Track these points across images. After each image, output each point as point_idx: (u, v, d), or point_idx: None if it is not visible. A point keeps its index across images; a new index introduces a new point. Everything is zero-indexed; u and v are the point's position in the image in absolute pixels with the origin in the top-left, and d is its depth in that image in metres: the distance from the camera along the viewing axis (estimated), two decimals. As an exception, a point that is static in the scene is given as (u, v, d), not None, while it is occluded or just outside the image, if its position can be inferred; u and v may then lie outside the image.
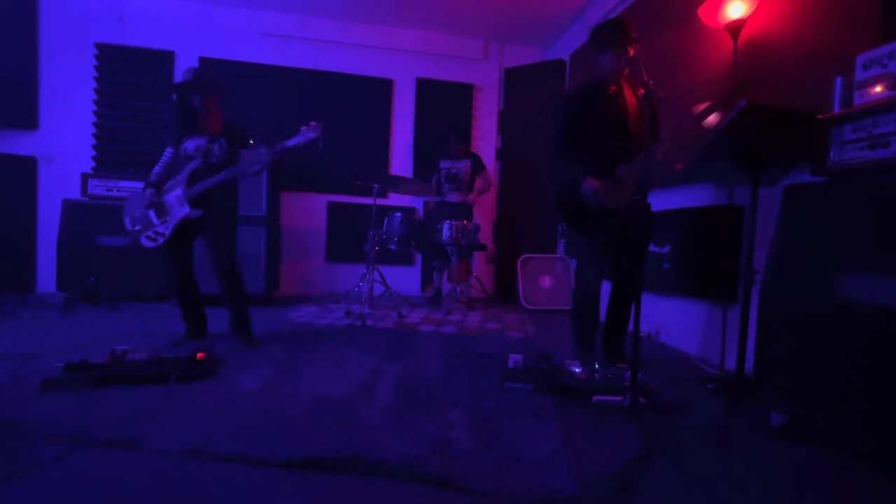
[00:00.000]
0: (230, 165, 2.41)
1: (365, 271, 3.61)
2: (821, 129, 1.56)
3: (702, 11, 2.34)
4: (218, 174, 2.37)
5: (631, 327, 1.72)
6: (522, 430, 1.51)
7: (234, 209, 2.52)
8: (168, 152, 2.49)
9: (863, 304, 1.34)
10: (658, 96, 1.71)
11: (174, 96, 2.44)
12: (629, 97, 2.15)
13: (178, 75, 4.30)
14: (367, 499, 1.12)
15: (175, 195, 2.38)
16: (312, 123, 2.39)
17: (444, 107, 4.89)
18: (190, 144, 2.41)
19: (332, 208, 4.77)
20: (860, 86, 1.47)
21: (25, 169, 4.11)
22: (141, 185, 3.75)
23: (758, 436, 1.54)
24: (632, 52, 2.04)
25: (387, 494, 1.13)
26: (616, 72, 2.10)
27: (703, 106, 2.15)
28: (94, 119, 4.25)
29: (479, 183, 4.33)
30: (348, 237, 4.68)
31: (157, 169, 2.46)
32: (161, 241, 2.39)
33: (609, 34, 2.10)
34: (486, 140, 5.06)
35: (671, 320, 2.85)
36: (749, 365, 1.80)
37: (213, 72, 2.46)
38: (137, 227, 2.42)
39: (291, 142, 2.38)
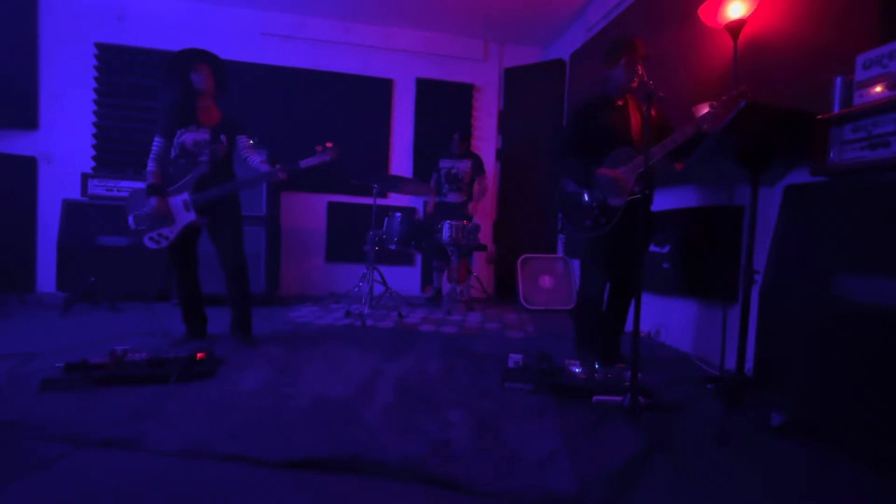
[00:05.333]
0: (231, 160, 2.45)
1: (365, 271, 3.61)
2: (821, 129, 1.57)
3: (702, 11, 2.34)
4: (228, 184, 2.40)
5: (631, 327, 1.72)
6: (522, 429, 1.51)
7: (238, 208, 2.52)
8: (158, 142, 2.35)
9: (863, 304, 1.34)
10: (658, 96, 1.71)
11: (173, 77, 2.36)
12: (633, 110, 2.24)
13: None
14: (367, 499, 1.12)
15: (181, 200, 2.34)
16: (328, 145, 2.43)
17: (444, 107, 4.89)
18: (188, 138, 2.34)
19: (332, 208, 4.78)
20: (860, 86, 1.47)
21: (25, 169, 4.11)
22: (140, 185, 3.77)
23: (758, 436, 1.54)
24: (640, 70, 2.05)
25: (387, 495, 1.13)
26: (625, 86, 2.16)
27: (703, 107, 2.15)
28: (94, 119, 4.25)
29: (476, 187, 4.32)
30: (348, 237, 4.68)
31: (151, 166, 2.34)
32: (165, 244, 2.35)
33: (617, 49, 2.16)
34: (486, 140, 5.06)
35: (671, 320, 2.85)
36: (749, 365, 1.80)
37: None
38: (142, 227, 2.35)
39: (305, 162, 2.42)
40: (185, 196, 2.35)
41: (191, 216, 2.35)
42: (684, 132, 1.94)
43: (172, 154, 2.39)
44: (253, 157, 2.49)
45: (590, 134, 2.19)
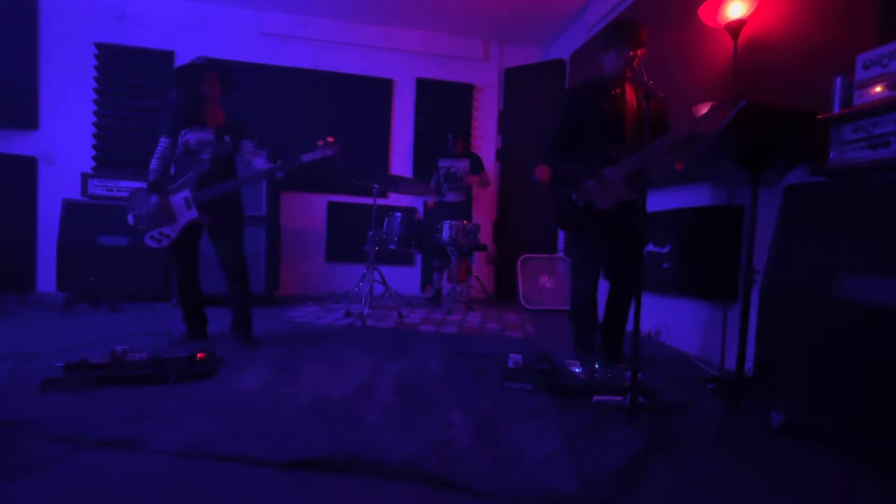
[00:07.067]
0: (234, 161, 2.47)
1: (365, 271, 3.61)
2: (821, 129, 1.56)
3: (702, 11, 2.34)
4: (229, 181, 2.40)
5: (631, 327, 1.72)
6: (522, 429, 1.51)
7: (240, 209, 2.52)
8: (163, 142, 2.36)
9: (862, 304, 1.34)
10: (658, 96, 1.71)
11: (179, 83, 2.40)
12: (630, 100, 2.17)
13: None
14: (367, 499, 1.12)
15: (182, 197, 2.34)
16: (329, 140, 2.41)
17: (444, 107, 4.89)
18: (191, 137, 2.35)
19: (332, 208, 4.78)
20: (860, 86, 1.47)
21: (25, 169, 4.11)
22: (140, 184, 3.77)
23: (758, 436, 1.54)
24: (633, 54, 2.03)
25: (387, 494, 1.13)
26: (618, 71, 2.10)
27: (703, 108, 2.15)
28: (94, 119, 4.26)
29: (475, 179, 4.32)
30: (348, 237, 4.68)
31: (154, 164, 2.35)
32: (166, 242, 2.36)
33: (614, 33, 2.11)
34: (486, 140, 5.06)
35: (671, 320, 2.85)
36: (749, 365, 1.79)
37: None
38: (143, 226, 2.35)
39: (307, 157, 2.40)
40: (187, 193, 2.35)
41: (192, 214, 2.35)
42: (678, 133, 1.89)
43: (176, 153, 2.40)
44: (256, 161, 2.50)
45: (581, 120, 2.14)
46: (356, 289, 3.85)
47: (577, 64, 4.31)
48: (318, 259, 4.79)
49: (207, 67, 2.36)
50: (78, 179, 3.79)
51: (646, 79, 1.72)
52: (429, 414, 1.60)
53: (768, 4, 2.16)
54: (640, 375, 1.66)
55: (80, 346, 2.30)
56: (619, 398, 1.69)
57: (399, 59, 4.84)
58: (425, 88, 4.89)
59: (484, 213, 4.95)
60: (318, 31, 4.68)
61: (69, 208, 3.65)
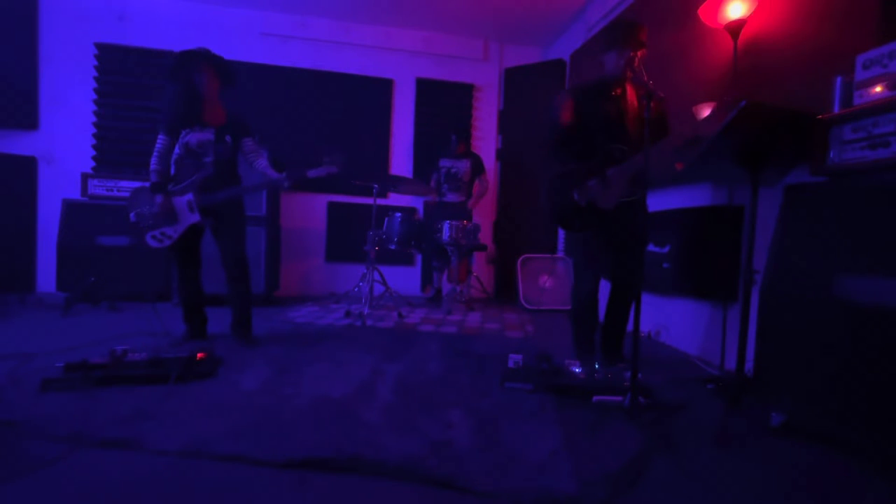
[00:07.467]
0: (236, 161, 2.49)
1: (365, 271, 3.61)
2: (821, 129, 1.56)
3: (702, 11, 2.34)
4: (233, 188, 2.42)
5: (631, 327, 1.72)
6: (522, 429, 1.51)
7: (242, 210, 2.53)
8: (162, 140, 2.35)
9: (862, 304, 1.34)
10: (658, 96, 1.71)
11: (177, 77, 2.38)
12: (632, 100, 2.16)
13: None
14: (366, 499, 1.12)
15: (186, 200, 2.35)
16: (336, 157, 2.45)
17: (444, 107, 4.90)
18: (192, 138, 2.35)
19: (332, 208, 4.78)
20: (860, 86, 1.47)
21: (25, 169, 4.11)
22: (140, 184, 3.76)
23: (758, 436, 1.54)
24: (633, 54, 2.03)
25: (386, 494, 1.13)
26: (618, 72, 2.10)
27: (704, 107, 2.15)
28: (94, 119, 4.26)
29: (476, 187, 4.33)
30: (348, 237, 4.68)
31: (155, 164, 2.34)
32: (168, 243, 2.36)
33: (614, 34, 2.11)
34: (486, 140, 5.06)
35: (671, 320, 2.85)
36: (749, 365, 1.80)
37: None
38: (143, 224, 2.35)
39: (312, 173, 2.41)
40: (190, 197, 2.35)
41: (195, 217, 2.35)
42: (682, 136, 1.89)
43: (177, 154, 2.40)
44: (259, 161, 2.50)
45: (582, 121, 2.13)
46: (356, 289, 3.85)
47: (577, 64, 4.31)
48: (318, 259, 4.79)
49: (205, 57, 2.34)
50: (78, 179, 3.79)
51: (646, 79, 1.72)
52: (429, 414, 1.60)
53: (768, 4, 2.15)
54: (640, 375, 1.66)
55: (80, 346, 2.30)
56: (619, 398, 1.69)
57: (399, 59, 4.84)
58: (425, 88, 4.89)
59: (484, 213, 4.95)
60: (318, 31, 4.68)
61: (69, 208, 3.65)
